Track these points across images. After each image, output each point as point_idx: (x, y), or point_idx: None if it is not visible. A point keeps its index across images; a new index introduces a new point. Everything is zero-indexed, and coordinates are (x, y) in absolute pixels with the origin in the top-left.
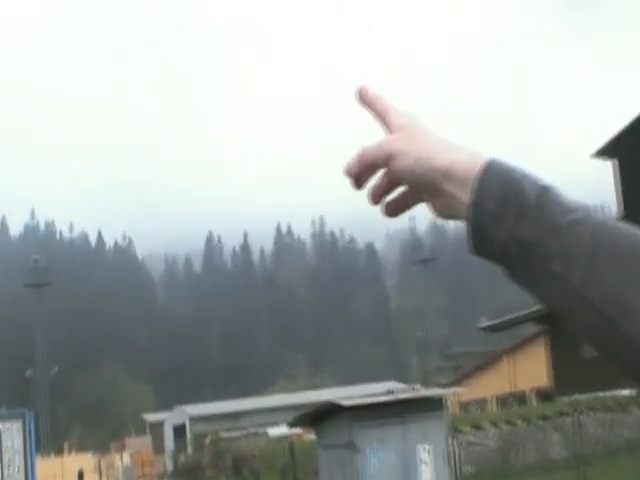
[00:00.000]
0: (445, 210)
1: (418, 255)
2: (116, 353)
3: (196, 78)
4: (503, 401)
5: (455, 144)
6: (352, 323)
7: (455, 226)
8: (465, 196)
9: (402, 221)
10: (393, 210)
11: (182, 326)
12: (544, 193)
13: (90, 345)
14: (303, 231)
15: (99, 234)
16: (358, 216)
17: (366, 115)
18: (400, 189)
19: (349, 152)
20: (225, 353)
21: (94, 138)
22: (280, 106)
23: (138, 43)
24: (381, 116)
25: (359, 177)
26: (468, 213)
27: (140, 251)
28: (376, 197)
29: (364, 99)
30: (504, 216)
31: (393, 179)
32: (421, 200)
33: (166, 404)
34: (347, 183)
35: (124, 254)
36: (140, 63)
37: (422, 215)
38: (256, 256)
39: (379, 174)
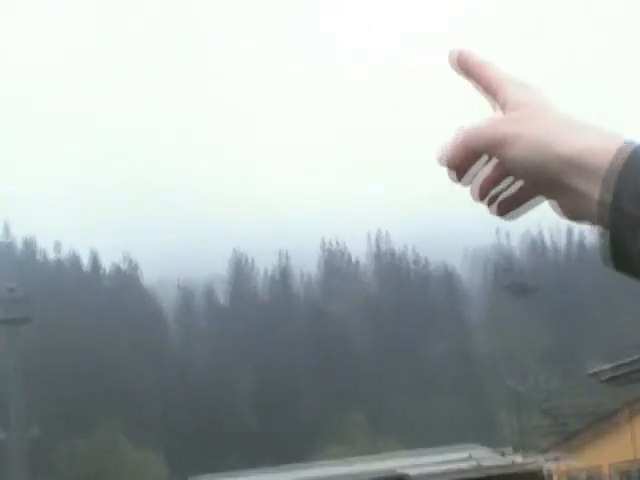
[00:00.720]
0: (572, 210)
1: (510, 280)
2: (115, 409)
3: (215, 54)
4: (625, 473)
5: (586, 124)
6: (423, 369)
7: (560, 243)
8: (598, 193)
9: (488, 234)
10: (506, 209)
11: (201, 374)
12: None
13: (81, 399)
14: (357, 249)
15: (93, 254)
16: (429, 229)
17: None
18: (514, 182)
19: (411, 145)
20: (258, 410)
21: (84, 133)
22: (330, 92)
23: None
24: (489, 89)
25: (461, 168)
26: (601, 215)
27: (147, 276)
28: (483, 193)
29: (463, 66)
30: None
31: (505, 170)
32: (541, 196)
33: (180, 476)
34: (413, 185)
35: (126, 280)
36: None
37: (515, 226)
38: (297, 282)
39: (487, 164)
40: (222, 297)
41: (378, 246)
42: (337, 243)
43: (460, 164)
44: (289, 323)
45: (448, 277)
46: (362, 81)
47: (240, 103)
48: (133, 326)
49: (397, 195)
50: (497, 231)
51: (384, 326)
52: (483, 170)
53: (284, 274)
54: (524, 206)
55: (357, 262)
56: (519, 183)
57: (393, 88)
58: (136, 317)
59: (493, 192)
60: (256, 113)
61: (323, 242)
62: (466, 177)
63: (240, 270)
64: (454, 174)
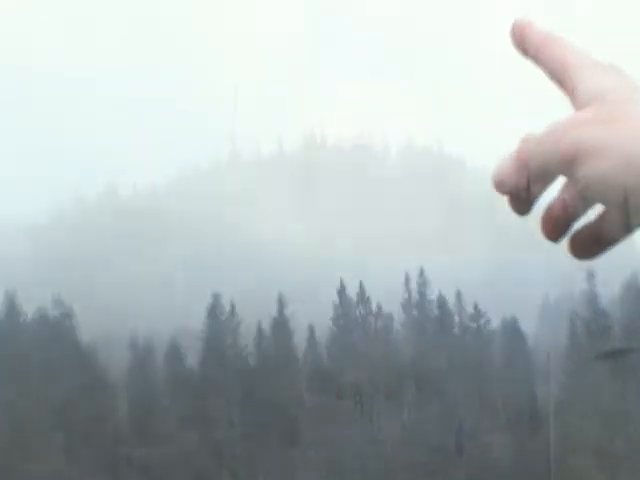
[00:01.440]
0: None
1: (603, 343)
2: None
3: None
4: None
5: None
6: (480, 467)
7: None
8: None
9: (575, 280)
10: (586, 247)
11: (160, 475)
12: None
13: None
14: (390, 297)
15: (9, 296)
16: (492, 271)
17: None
18: (595, 211)
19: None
20: None
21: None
22: None
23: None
24: (554, 73)
25: (521, 193)
26: None
27: (86, 328)
28: (552, 226)
29: (520, 42)
30: None
31: (581, 194)
32: (635, 229)
33: None
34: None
35: (55, 333)
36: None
37: (615, 269)
38: (301, 340)
39: (557, 187)
40: (194, 360)
41: (419, 293)
42: (361, 287)
43: (516, 188)
44: (287, 398)
45: (515, 337)
46: None
47: None
48: (63, 399)
49: (445, 223)
50: (589, 276)
51: (425, 406)
52: (551, 196)
53: (282, 329)
54: (611, 242)
55: (389, 315)
56: (598, 210)
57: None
58: (68, 386)
59: (569, 226)
60: None
61: (341, 285)
62: (529, 206)
63: (219, 322)
64: (513, 202)
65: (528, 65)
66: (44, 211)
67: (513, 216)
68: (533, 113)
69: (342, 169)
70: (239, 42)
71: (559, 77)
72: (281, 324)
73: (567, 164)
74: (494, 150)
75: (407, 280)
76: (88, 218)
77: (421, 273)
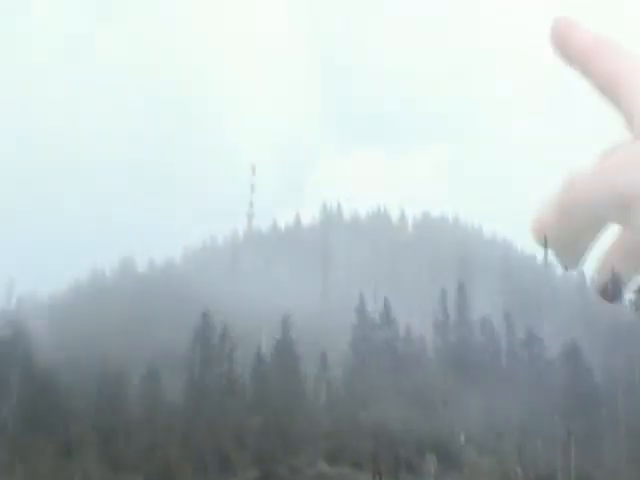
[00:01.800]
0: None
1: None
2: None
3: None
4: None
5: None
6: None
7: None
8: None
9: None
10: None
11: None
12: None
13: None
14: (420, 317)
15: None
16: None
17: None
18: None
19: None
20: None
21: None
22: None
23: None
24: (606, 88)
25: (565, 243)
26: None
27: (47, 351)
28: (607, 282)
29: (563, 47)
30: None
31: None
32: None
33: None
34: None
35: (9, 359)
36: None
37: None
38: (308, 367)
39: (611, 237)
40: (176, 388)
41: (457, 311)
42: (385, 305)
43: (562, 239)
44: (295, 439)
45: (579, 368)
46: None
47: None
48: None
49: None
50: None
51: (464, 450)
52: (606, 246)
53: (287, 353)
54: None
55: (420, 338)
56: None
57: None
58: (31, 417)
59: (630, 280)
60: None
61: (360, 301)
62: (577, 259)
63: (209, 344)
64: (558, 255)
65: (544, 136)
66: (62, 288)
67: (530, 292)
68: (551, 183)
69: (358, 240)
70: (239, 44)
71: (611, 94)
72: (286, 347)
73: (624, 210)
74: (511, 221)
75: (443, 296)
76: (105, 293)
77: (460, 286)
